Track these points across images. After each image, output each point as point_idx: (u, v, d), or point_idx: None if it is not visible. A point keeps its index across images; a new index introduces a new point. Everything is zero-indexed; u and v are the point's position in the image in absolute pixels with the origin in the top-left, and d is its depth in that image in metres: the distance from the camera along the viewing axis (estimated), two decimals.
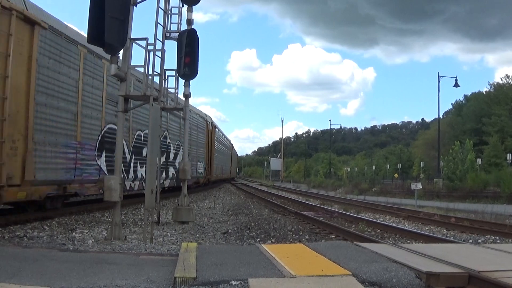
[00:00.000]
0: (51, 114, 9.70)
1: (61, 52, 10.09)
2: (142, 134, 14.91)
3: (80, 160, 10.90)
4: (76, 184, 10.89)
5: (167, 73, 11.31)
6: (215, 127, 34.35)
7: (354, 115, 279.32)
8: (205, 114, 30.07)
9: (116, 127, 9.61)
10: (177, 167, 18.24)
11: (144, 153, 14.63)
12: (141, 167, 14.70)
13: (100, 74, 11.82)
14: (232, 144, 56.30)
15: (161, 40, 10.30)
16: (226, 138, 47.89)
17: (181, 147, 20.09)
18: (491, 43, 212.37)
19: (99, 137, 11.96)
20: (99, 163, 11.97)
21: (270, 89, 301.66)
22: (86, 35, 8.01)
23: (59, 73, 9.95)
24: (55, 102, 9.86)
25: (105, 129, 12.18)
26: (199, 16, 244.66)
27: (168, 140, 18.69)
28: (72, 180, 10.62)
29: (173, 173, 19.33)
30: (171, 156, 19.31)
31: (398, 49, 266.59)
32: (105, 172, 12.14)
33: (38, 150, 9.18)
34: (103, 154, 12.10)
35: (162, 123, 16.73)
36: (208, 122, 29.73)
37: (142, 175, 14.59)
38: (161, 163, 16.19)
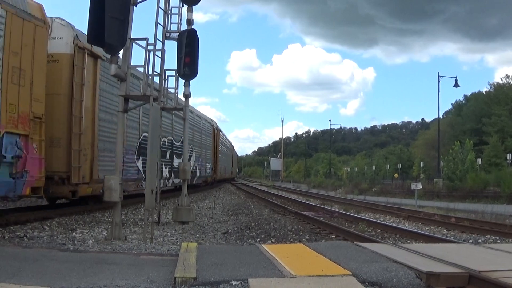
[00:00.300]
0: (108, 127, 12.30)
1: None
2: (165, 140, 18.05)
3: (125, 163, 12.83)
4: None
5: (167, 73, 11.32)
6: (219, 130, 37.36)
7: (354, 115, 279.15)
8: (211, 119, 33.05)
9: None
10: (192, 167, 22.88)
11: (167, 156, 18.37)
12: (165, 167, 17.69)
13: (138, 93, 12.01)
14: (233, 146, 59.03)
15: (161, 40, 10.30)
16: (228, 140, 51.16)
17: (194, 150, 24.50)
18: (491, 43, 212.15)
19: (138, 144, 14.57)
20: (138, 165, 14.60)
21: (270, 89, 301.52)
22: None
23: (112, 94, 12.29)
24: (110, 117, 12.31)
25: (141, 137, 14.70)
26: (199, 16, 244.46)
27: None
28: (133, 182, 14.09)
29: (197, 172, 24.66)
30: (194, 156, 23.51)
31: (398, 49, 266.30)
32: (142, 172, 14.54)
33: (100, 155, 11.75)
34: (140, 157, 14.66)
35: (179, 130, 19.86)
36: (213, 126, 32.66)
37: (166, 174, 17.96)
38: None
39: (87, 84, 11.05)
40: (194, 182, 25.57)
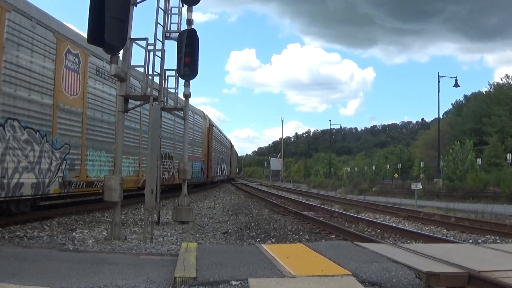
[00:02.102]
0: (215, 155, 32.42)
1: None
2: (221, 156, 37.89)
3: (217, 168, 34.14)
4: (216, 177, 34.08)
5: (167, 73, 11.31)
6: (232, 145, 57.58)
7: (354, 115, 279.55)
8: (228, 138, 52.20)
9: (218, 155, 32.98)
10: (225, 168, 42.53)
11: (221, 163, 38.34)
12: (221, 168, 37.88)
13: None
14: (237, 153, 78.36)
15: (161, 40, 10.30)
16: (235, 149, 68.25)
17: (225, 159, 42.48)
18: (490, 43, 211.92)
19: (219, 160, 34.84)
20: (217, 169, 34.78)
21: (269, 89, 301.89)
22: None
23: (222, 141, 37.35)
24: (218, 148, 34.88)
25: (219, 156, 36.48)
26: (198, 16, 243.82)
27: (222, 156, 39.28)
28: (217, 175, 34.25)
29: (224, 172, 41.93)
30: (224, 163, 41.33)
31: (397, 49, 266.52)
32: (218, 173, 35.75)
33: (211, 166, 30.09)
34: (218, 166, 34.87)
35: (223, 152, 40.49)
36: (230, 142, 52.98)
37: (219, 172, 37.23)
38: (223, 168, 40.54)
39: (205, 134, 27.10)
40: (224, 179, 44.04)
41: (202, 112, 28.18)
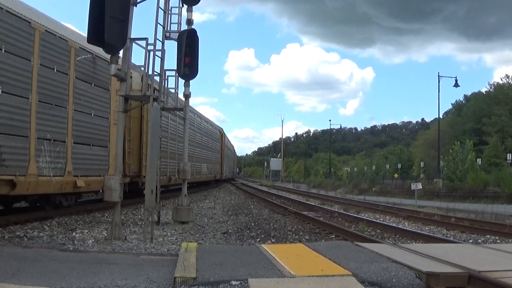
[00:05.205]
0: (234, 163, 63.90)
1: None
2: (236, 164, 74.78)
3: (235, 170, 71.24)
4: (234, 175, 66.34)
5: (167, 73, 11.31)
6: (234, 149, 71.53)
7: (353, 115, 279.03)
8: (232, 144, 65.66)
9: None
10: (232, 170, 60.40)
11: (234, 167, 69.99)
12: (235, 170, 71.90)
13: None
14: (236, 154, 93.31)
15: (161, 40, 10.31)
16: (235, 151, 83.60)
17: (235, 164, 67.82)
18: (489, 42, 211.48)
19: (235, 165, 69.57)
20: (235, 171, 72.11)
21: (268, 89, 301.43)
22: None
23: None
24: (235, 159, 69.68)
25: (236, 164, 73.32)
26: (196, 15, 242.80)
27: (236, 163, 69.74)
28: (235, 174, 68.60)
29: (231, 172, 55.06)
30: (230, 166, 52.16)
31: (396, 48, 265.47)
32: (235, 173, 71.80)
33: (235, 169, 69.23)
34: (235, 169, 69.57)
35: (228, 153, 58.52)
36: (233, 147, 65.23)
37: (235, 173, 71.19)
38: (235, 169, 73.75)
39: (222, 147, 40.79)
40: (236, 175, 69.90)
41: (232, 145, 56.94)
